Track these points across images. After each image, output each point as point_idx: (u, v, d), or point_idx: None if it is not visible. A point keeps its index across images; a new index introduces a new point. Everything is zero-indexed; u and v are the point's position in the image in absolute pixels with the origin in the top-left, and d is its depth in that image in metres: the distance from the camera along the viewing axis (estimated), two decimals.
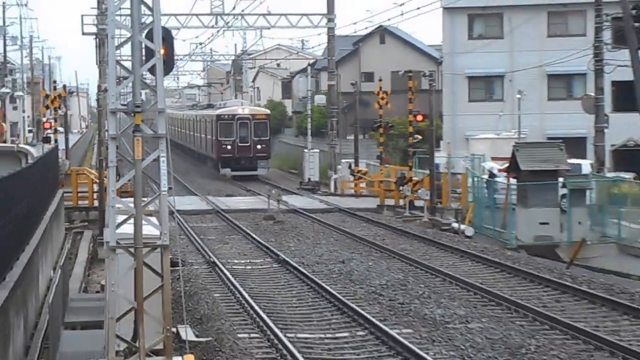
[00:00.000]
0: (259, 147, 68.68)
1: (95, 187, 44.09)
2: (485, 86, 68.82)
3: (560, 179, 37.01)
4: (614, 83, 52.62)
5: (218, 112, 72.64)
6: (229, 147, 68.86)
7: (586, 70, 46.51)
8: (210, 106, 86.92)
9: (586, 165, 46.18)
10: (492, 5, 66.23)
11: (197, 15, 59.92)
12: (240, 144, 68.37)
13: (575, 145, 54.89)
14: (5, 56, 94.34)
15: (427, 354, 18.54)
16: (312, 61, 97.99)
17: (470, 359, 18.59)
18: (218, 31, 65.95)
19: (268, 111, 74.49)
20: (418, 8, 62.59)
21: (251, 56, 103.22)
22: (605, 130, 42.48)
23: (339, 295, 24.43)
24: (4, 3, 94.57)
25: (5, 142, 54.36)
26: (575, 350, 18.92)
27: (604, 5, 40.47)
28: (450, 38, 69.06)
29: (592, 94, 43.35)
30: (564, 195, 37.25)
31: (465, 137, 64.25)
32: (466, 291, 25.05)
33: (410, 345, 19.07)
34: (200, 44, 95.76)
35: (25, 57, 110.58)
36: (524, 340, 19.74)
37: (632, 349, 18.57)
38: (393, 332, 20.28)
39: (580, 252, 32.62)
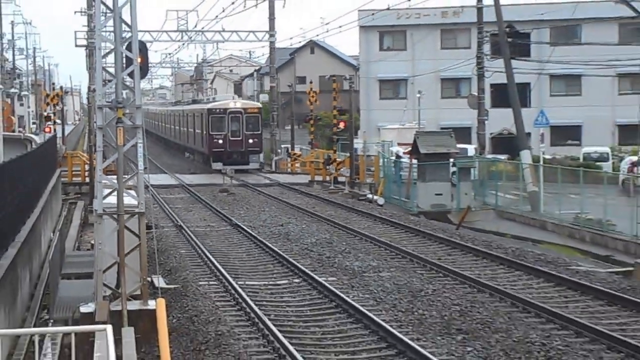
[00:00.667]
0: (250, 141, 53.89)
1: (86, 167, 43.93)
2: (392, 87, 69.22)
3: (451, 160, 37.29)
4: (492, 85, 53.01)
5: (209, 106, 57.19)
6: (220, 141, 54.06)
7: (471, 75, 46.93)
8: (195, 101, 70.67)
9: (471, 149, 46.71)
10: (398, 24, 66.60)
11: (166, 31, 59.53)
12: (232, 138, 53.93)
13: (462, 134, 55.41)
14: (14, 63, 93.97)
15: (348, 296, 18.58)
16: (258, 68, 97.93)
17: (381, 299, 18.64)
18: (183, 44, 65.37)
19: (260, 105, 57.98)
20: (340, 26, 63.26)
21: (209, 64, 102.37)
22: (486, 122, 42.90)
23: (279, 251, 24.40)
24: (12, 21, 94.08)
25: (13, 132, 53.58)
26: (462, 293, 19.06)
27: (484, 24, 40.74)
28: (366, 50, 69.33)
29: (476, 94, 43.68)
30: (454, 172, 37.52)
31: (377, 127, 64.64)
32: (378, 247, 25.15)
33: (335, 290, 19.10)
34: (169, 54, 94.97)
35: (30, 64, 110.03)
36: (423, 285, 19.85)
37: (507, 291, 18.74)
38: (321, 280, 20.30)
39: (467, 216, 32.86)
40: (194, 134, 60.69)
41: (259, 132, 54.38)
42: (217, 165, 52.53)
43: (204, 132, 55.54)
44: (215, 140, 53.93)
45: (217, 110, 54.86)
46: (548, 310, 16.87)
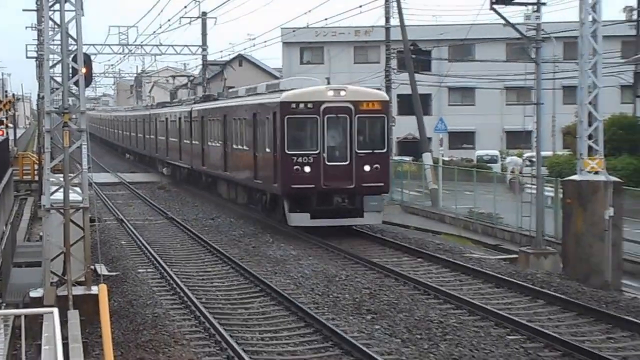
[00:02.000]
0: (367, 168, 24.81)
1: (36, 167, 43.11)
2: None
3: None
4: (398, 95, 53.34)
5: (285, 96, 25.20)
6: (307, 169, 24.71)
7: (380, 86, 47.19)
8: (207, 98, 39.24)
9: None
10: (316, 41, 66.81)
11: (109, 45, 58.72)
12: (329, 163, 24.84)
13: None
14: None
15: (271, 282, 18.58)
16: (192, 78, 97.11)
17: (301, 284, 18.68)
18: (124, 56, 64.57)
19: (385, 96, 27.03)
20: (265, 41, 62.77)
21: (148, 74, 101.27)
22: (393, 127, 43.22)
23: (210, 242, 24.27)
24: None
25: None
26: (372, 278, 19.22)
27: (391, 42, 41.07)
28: (288, 63, 69.36)
29: None
30: None
31: None
32: (298, 238, 25.15)
33: (259, 276, 19.10)
34: (112, 65, 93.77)
35: None
36: (338, 271, 19.94)
37: (410, 276, 18.94)
38: (247, 267, 20.27)
39: None
40: (239, 154, 29.94)
41: (384, 149, 25.45)
42: (300, 219, 24.83)
43: (269, 150, 26.04)
44: (295, 167, 24.74)
45: (301, 106, 24.82)
46: (445, 292, 17.12)
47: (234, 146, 30.55)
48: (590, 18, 20.50)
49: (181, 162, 41.07)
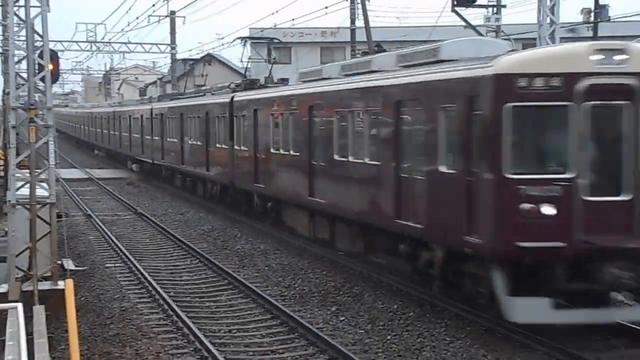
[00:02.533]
0: None
1: (1, 162, 42.42)
2: None
3: None
4: None
5: (507, 64, 12.02)
6: (547, 209, 11.64)
7: None
8: (251, 84, 29.06)
9: None
10: (284, 41, 66.82)
11: (76, 42, 58.21)
12: (594, 198, 11.78)
13: None
14: None
15: (239, 274, 18.48)
16: (161, 76, 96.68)
17: (268, 277, 18.60)
18: (92, 53, 63.99)
19: None
20: (232, 41, 62.44)
21: (117, 72, 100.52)
22: None
23: (178, 236, 24.09)
24: None
25: None
26: (339, 271, 19.08)
27: (357, 44, 41.21)
28: (255, 63, 69.13)
29: None
30: None
31: None
32: (266, 233, 25.00)
33: (228, 269, 18.97)
34: (79, 62, 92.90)
35: None
36: (304, 265, 19.84)
37: (371, 274, 18.82)
38: (216, 261, 20.13)
39: None
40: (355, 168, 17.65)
41: None
42: (533, 311, 12.02)
43: (456, 169, 13.38)
44: (524, 205, 11.98)
45: (537, 84, 12.07)
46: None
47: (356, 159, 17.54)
48: (548, 20, 20.64)
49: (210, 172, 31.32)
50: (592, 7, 42.52)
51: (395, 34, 58.79)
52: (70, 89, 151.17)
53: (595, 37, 41.00)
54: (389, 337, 13.43)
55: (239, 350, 13.20)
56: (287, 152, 22.00)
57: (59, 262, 16.97)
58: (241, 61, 35.84)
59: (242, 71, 40.57)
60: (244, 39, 35.47)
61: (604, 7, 41.61)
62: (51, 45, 17.33)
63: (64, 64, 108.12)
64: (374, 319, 14.61)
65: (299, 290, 17.13)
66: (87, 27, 57.61)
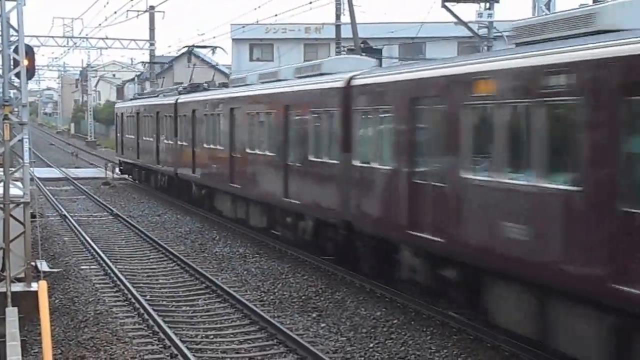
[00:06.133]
0: None
1: None
2: None
3: None
4: None
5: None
6: None
7: None
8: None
9: None
10: (266, 37, 66.68)
11: (53, 37, 57.96)
12: None
13: None
14: None
15: (217, 278, 18.50)
16: (139, 73, 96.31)
17: (246, 281, 18.63)
18: (69, 49, 63.76)
19: None
20: (214, 37, 62.41)
21: (94, 68, 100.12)
22: None
23: (155, 238, 24.08)
24: None
25: None
26: (319, 275, 19.15)
27: (342, 40, 41.21)
28: (237, 60, 69.07)
29: None
30: None
31: None
32: (245, 236, 25.05)
33: (205, 273, 18.98)
34: (56, 58, 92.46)
35: None
36: (283, 269, 19.90)
37: (354, 280, 18.90)
38: (193, 264, 20.14)
39: None
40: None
41: None
42: None
43: None
44: None
45: None
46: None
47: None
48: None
49: None
50: (591, 2, 42.74)
51: (382, 30, 58.90)
52: (46, 85, 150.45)
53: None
54: (371, 345, 13.48)
55: (216, 356, 13.22)
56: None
57: (33, 263, 16.92)
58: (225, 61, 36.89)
59: (222, 68, 43.37)
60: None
61: (601, 1, 41.69)
62: (27, 40, 17.30)
63: (39, 60, 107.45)
64: (356, 325, 14.67)
65: (279, 295, 17.17)
66: (63, 21, 57.41)
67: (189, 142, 30.18)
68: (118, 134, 46.27)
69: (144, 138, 38.39)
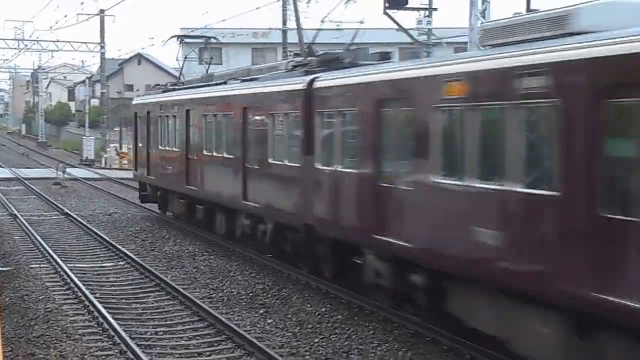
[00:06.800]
0: None
1: None
2: None
3: None
4: None
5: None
6: None
7: None
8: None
9: None
10: (215, 42, 66.51)
11: (4, 39, 56.99)
12: None
13: None
14: None
15: (166, 276, 18.34)
16: (90, 75, 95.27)
17: (195, 279, 18.51)
18: (20, 51, 62.74)
19: None
20: (163, 41, 62.01)
21: (45, 70, 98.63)
22: None
23: (106, 237, 23.78)
24: None
25: None
26: (266, 273, 19.10)
27: (288, 45, 41.33)
28: (186, 63, 68.53)
29: None
30: None
31: None
32: (194, 235, 24.85)
33: (155, 271, 18.80)
34: (7, 59, 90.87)
35: None
36: (232, 266, 19.83)
37: (299, 277, 18.89)
38: (143, 263, 19.93)
39: None
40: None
41: None
42: None
43: None
44: None
45: None
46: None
47: None
48: (479, 23, 20.91)
49: None
50: (525, 11, 43.29)
51: (325, 36, 59.09)
52: None
53: None
54: (316, 340, 13.48)
55: (166, 352, 13.09)
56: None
57: None
58: (177, 60, 35.73)
59: (171, 71, 42.15)
60: (180, 37, 36.16)
61: (536, 11, 42.26)
62: None
63: None
64: (302, 321, 14.66)
65: (227, 292, 17.08)
66: (14, 24, 56.50)
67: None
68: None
69: None
